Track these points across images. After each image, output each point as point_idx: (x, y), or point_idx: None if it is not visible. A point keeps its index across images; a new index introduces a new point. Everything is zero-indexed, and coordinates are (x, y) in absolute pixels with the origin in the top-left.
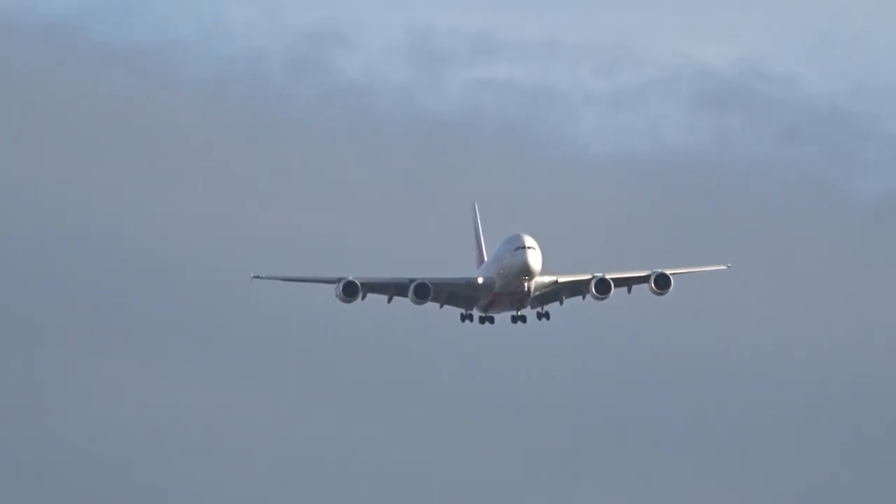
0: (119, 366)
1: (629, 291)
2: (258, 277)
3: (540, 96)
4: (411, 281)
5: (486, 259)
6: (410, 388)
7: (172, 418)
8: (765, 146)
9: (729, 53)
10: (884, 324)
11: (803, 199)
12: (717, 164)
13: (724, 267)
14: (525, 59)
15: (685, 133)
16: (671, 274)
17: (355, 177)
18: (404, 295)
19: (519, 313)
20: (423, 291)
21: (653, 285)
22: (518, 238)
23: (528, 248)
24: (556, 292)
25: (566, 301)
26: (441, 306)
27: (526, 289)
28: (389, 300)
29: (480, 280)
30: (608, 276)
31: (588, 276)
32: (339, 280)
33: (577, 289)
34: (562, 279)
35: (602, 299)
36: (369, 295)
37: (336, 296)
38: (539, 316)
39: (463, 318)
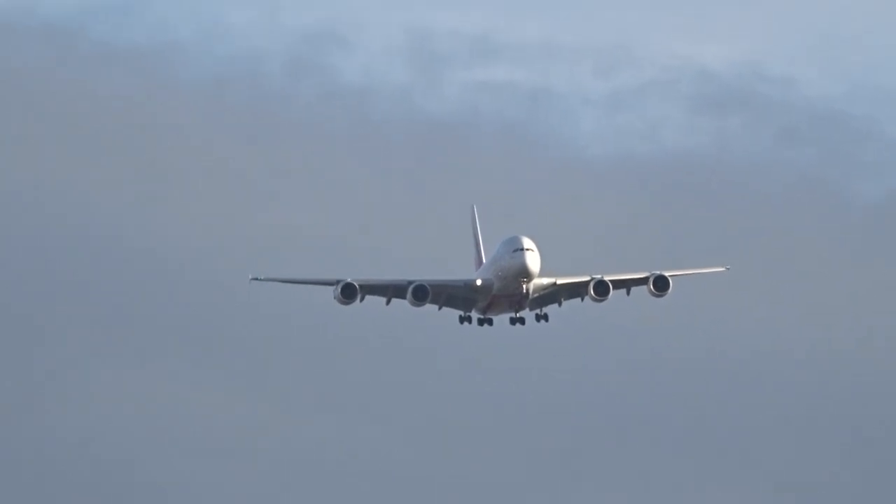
0: (117, 366)
1: (628, 293)
2: (256, 279)
3: (539, 97)
4: (410, 283)
5: (484, 261)
6: (409, 391)
7: (171, 419)
8: (764, 147)
9: (728, 55)
10: (883, 324)
11: (802, 200)
12: (717, 165)
13: (723, 269)
14: (524, 60)
15: (684, 134)
16: (670, 276)
17: (354, 178)
18: (403, 297)
19: (518, 315)
20: (421, 293)
21: (651, 287)
22: (516, 240)
23: (527, 249)
24: (554, 294)
25: (565, 303)
26: (440, 308)
27: (524, 291)
28: (388, 302)
29: (479, 282)
30: (607, 278)
31: (587, 278)
32: (338, 282)
33: (576, 290)
34: (560, 281)
35: (601, 301)
36: (368, 297)
37: (334, 298)
38: (538, 318)
39: (462, 319)
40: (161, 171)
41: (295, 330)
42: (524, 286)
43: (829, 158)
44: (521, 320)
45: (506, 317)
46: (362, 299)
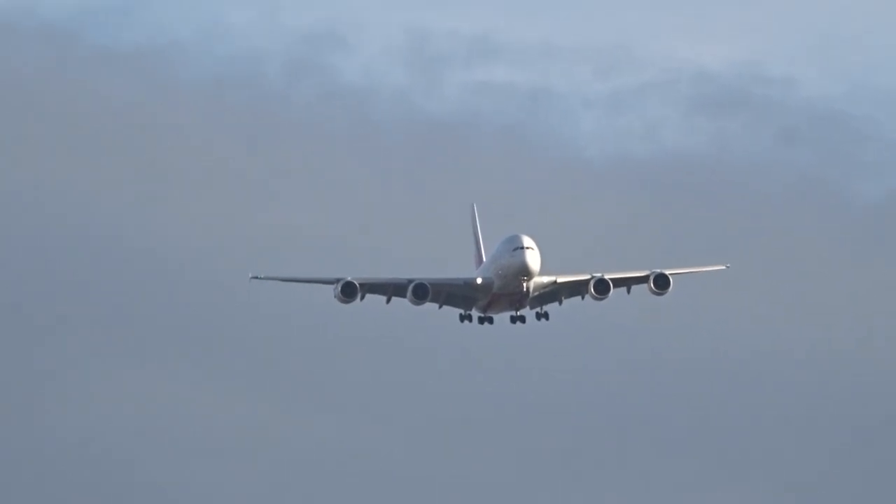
0: (118, 365)
1: (628, 292)
2: (257, 278)
3: (539, 98)
4: (410, 281)
5: (484, 260)
6: (409, 389)
7: (171, 418)
8: (763, 147)
9: (728, 55)
10: (882, 324)
11: (802, 200)
12: (717, 165)
13: (724, 267)
14: (524, 61)
15: (684, 134)
16: (670, 274)
17: (354, 178)
18: (403, 295)
19: (518, 313)
20: (421, 292)
21: (652, 285)
22: (517, 238)
23: (527, 248)
24: (555, 292)
25: (565, 301)
26: (440, 307)
27: (525, 289)
28: (388, 301)
29: (479, 280)
30: (607, 277)
31: (587, 277)
32: (338, 280)
33: (576, 289)
34: (561, 279)
35: (601, 299)
36: (368, 295)
37: (335, 296)
38: (538, 316)
39: (462, 318)
40: (161, 171)
41: (295, 329)
42: (524, 284)
43: (829, 158)
44: (522, 319)
45: (506, 315)
46: (362, 298)
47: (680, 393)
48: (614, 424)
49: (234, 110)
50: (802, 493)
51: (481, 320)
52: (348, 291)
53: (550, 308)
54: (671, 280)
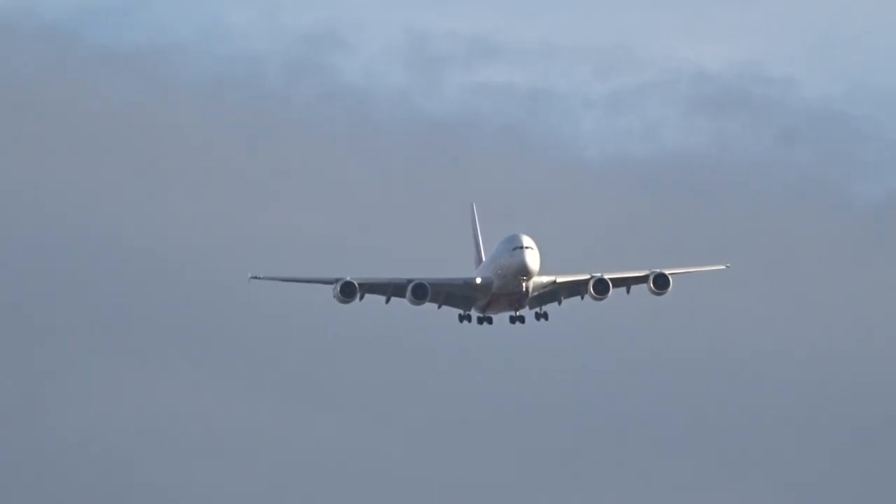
0: (117, 365)
1: (628, 291)
2: (256, 278)
3: (539, 98)
4: (409, 281)
5: (484, 259)
6: (409, 389)
7: (170, 418)
8: (763, 148)
9: (727, 56)
10: (882, 324)
11: (802, 200)
12: (716, 165)
13: (723, 267)
14: (523, 61)
15: (684, 135)
16: (670, 274)
17: (354, 178)
18: (402, 295)
19: (517, 314)
20: (421, 292)
21: (651, 285)
22: (516, 238)
23: (526, 248)
24: (554, 292)
25: (565, 301)
26: (439, 307)
27: (524, 289)
28: (387, 301)
29: (479, 280)
30: (607, 276)
31: (586, 277)
32: (337, 280)
33: (576, 289)
34: (560, 279)
35: (600, 299)
36: (367, 295)
37: (334, 296)
38: (537, 316)
39: (461, 318)
40: (161, 171)
41: (294, 329)
42: (524, 284)
43: (829, 159)
44: (521, 319)
45: (505, 315)
46: (362, 298)
47: (680, 393)
48: (614, 424)
49: (234, 110)
50: (802, 493)
51: (480, 320)
52: (347, 291)
53: (550, 308)
54: (671, 280)
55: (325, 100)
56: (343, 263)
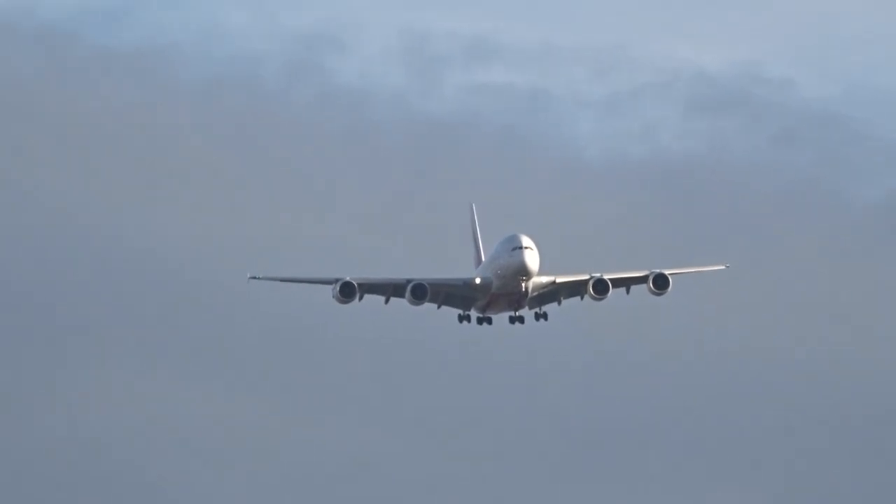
0: (115, 365)
1: (627, 292)
2: (255, 278)
3: (538, 99)
4: (408, 281)
5: (483, 260)
6: (408, 390)
7: (168, 418)
8: (762, 149)
9: (726, 57)
10: (882, 324)
11: (800, 200)
12: (715, 165)
13: (723, 267)
14: (522, 62)
15: (683, 135)
16: (670, 274)
17: (353, 178)
18: (402, 296)
19: (517, 314)
20: (420, 292)
21: (651, 285)
22: (515, 238)
23: (526, 248)
24: (554, 293)
25: (564, 301)
26: (439, 307)
27: (523, 289)
28: (387, 301)
29: (478, 280)
30: (606, 277)
31: (586, 277)
32: (336, 281)
33: (576, 289)
34: (560, 279)
35: (600, 300)
36: (367, 296)
37: (333, 297)
38: (537, 316)
39: (461, 318)
40: (160, 171)
41: (293, 329)
42: (523, 284)
43: (827, 159)
44: (521, 319)
45: (505, 315)
46: (361, 298)
47: (679, 392)
48: (614, 425)
49: (234, 110)
50: (802, 493)
51: (480, 321)
52: (347, 292)
53: (549, 308)
54: (670, 280)
55: (324, 100)
56: (342, 264)
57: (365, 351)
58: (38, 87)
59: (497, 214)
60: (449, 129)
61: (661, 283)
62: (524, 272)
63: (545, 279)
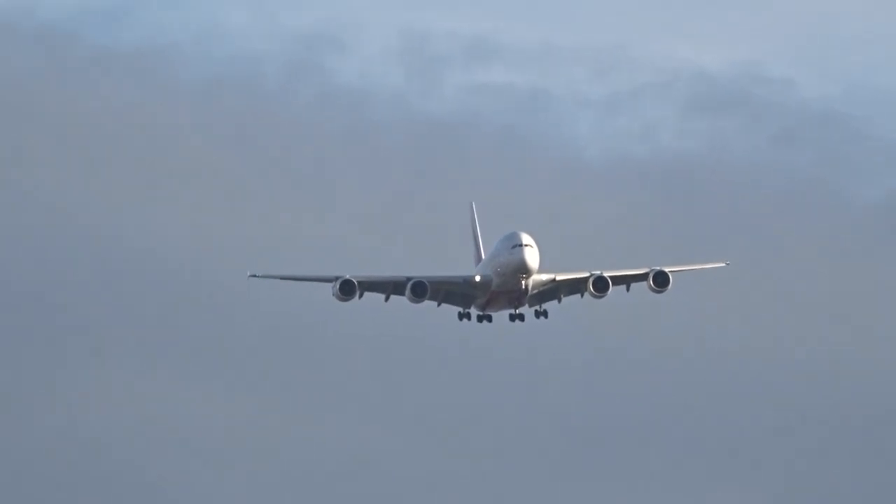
0: (115, 365)
1: (628, 289)
2: (255, 276)
3: (538, 99)
4: (408, 279)
5: (483, 257)
6: (408, 387)
7: (168, 416)
8: (761, 148)
9: (726, 56)
10: (880, 323)
11: (800, 199)
12: (716, 165)
13: (723, 265)
14: (522, 62)
15: (682, 135)
16: (670, 272)
17: (353, 177)
18: (402, 293)
19: (517, 311)
20: (420, 290)
21: (651, 283)
22: (515, 236)
23: (526, 245)
24: (554, 290)
25: (564, 299)
26: (439, 305)
27: (523, 287)
28: (387, 299)
29: (478, 278)
30: (606, 274)
31: (586, 274)
32: (337, 278)
33: (576, 287)
34: (560, 277)
35: (600, 297)
36: (367, 293)
37: (333, 294)
38: (537, 314)
39: (461, 316)
40: (160, 171)
41: (293, 327)
42: (523, 282)
43: (827, 159)
44: (521, 317)
45: (505, 313)
46: (361, 296)
47: (679, 390)
48: (614, 422)
49: (234, 111)
50: (802, 492)
51: (480, 318)
52: (347, 289)
53: (549, 306)
54: (671, 277)
55: (324, 100)
56: (343, 262)
57: (365, 349)
58: (38, 87)
59: (497, 213)
60: (449, 128)
61: (661, 280)
62: (524, 270)
63: (545, 277)
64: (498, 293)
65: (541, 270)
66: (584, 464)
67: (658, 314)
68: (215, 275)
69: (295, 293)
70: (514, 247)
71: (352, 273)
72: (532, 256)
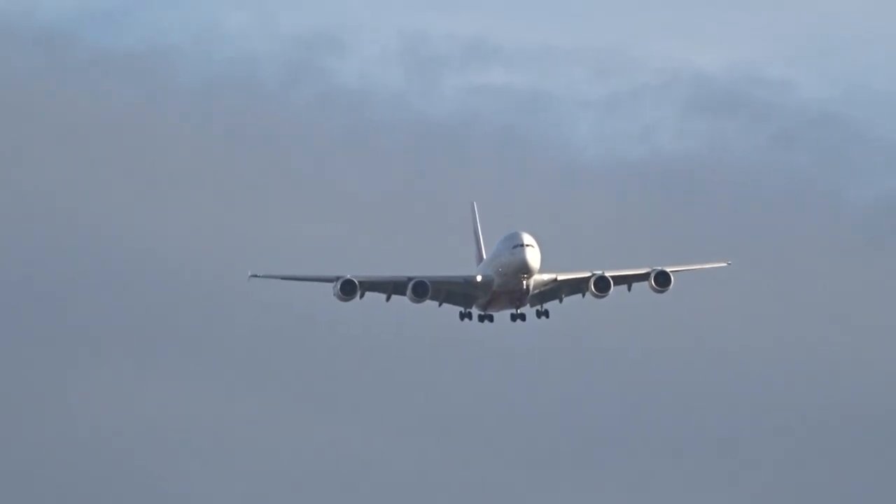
0: (115, 365)
1: (629, 289)
2: (256, 276)
3: (538, 100)
4: (410, 279)
5: (485, 257)
6: (409, 387)
7: (168, 416)
8: (761, 149)
9: (725, 58)
10: (879, 323)
11: (799, 200)
12: (715, 165)
13: (724, 264)
14: (521, 63)
15: (682, 136)
16: (671, 271)
17: (354, 178)
18: (403, 293)
19: (518, 311)
20: (421, 290)
21: (653, 283)
22: (516, 236)
23: (527, 245)
24: (555, 290)
25: (566, 299)
26: (440, 305)
27: (525, 287)
28: (388, 299)
29: (479, 278)
30: (608, 274)
31: (587, 274)
32: (338, 278)
33: (577, 287)
34: (561, 277)
35: (601, 297)
36: (368, 293)
37: (334, 294)
38: (538, 314)
39: (462, 316)
40: (160, 172)
41: (294, 327)
42: (524, 282)
43: (826, 160)
44: (522, 317)
45: (506, 313)
46: (362, 296)
47: (681, 390)
48: (615, 422)
49: (233, 112)
50: (802, 492)
51: (481, 318)
52: (348, 289)
53: (551, 306)
54: (672, 277)
55: (324, 101)
56: (344, 262)
57: (366, 349)
58: (37, 89)
59: (498, 213)
60: (449, 129)
61: (662, 280)
62: (525, 270)
63: (546, 277)
64: (499, 293)
65: (542, 270)
66: (586, 464)
67: (659, 314)
68: (216, 275)
69: (296, 293)
70: (515, 247)
71: (353, 273)
72: (533, 256)
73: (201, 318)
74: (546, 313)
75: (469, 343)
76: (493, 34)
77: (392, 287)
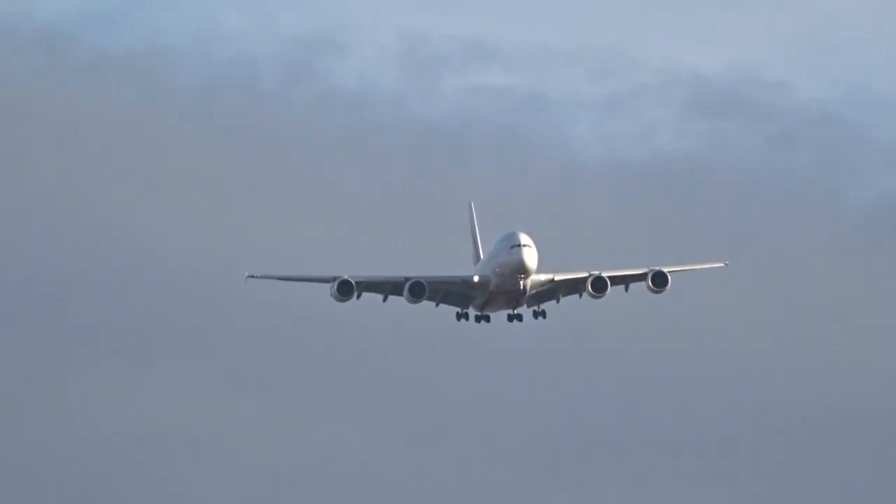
0: (113, 365)
1: (626, 289)
2: (253, 277)
3: (537, 101)
4: (406, 279)
5: (482, 258)
6: (406, 388)
7: (166, 417)
8: (760, 149)
9: (724, 59)
10: (878, 323)
11: (798, 201)
12: (714, 166)
13: (722, 265)
14: (520, 64)
15: (681, 137)
16: (669, 272)
17: (352, 178)
18: (400, 294)
19: (515, 312)
20: (418, 290)
21: (650, 283)
22: (514, 236)
23: (524, 245)
24: (552, 290)
25: (563, 299)
26: (437, 305)
27: (522, 287)
28: (385, 299)
29: (476, 278)
30: (605, 274)
31: (585, 274)
32: (334, 279)
33: (574, 287)
34: (558, 277)
35: (599, 297)
36: (365, 294)
37: (331, 295)
38: (535, 314)
39: (459, 316)
40: (159, 172)
41: (291, 328)
42: (521, 282)
43: (824, 161)
44: (519, 317)
45: (503, 314)
46: (359, 296)
47: (678, 390)
48: (612, 422)
49: (232, 112)
50: (801, 492)
51: (478, 319)
52: (345, 290)
53: (548, 306)
54: (669, 278)
55: (323, 101)
56: (341, 262)
57: (363, 349)
58: (37, 89)
59: (496, 213)
60: (448, 130)
61: (659, 280)
62: (522, 270)
63: (543, 277)
64: (496, 293)
65: (539, 270)
66: (583, 464)
67: (657, 314)
68: (213, 275)
69: (293, 294)
70: (512, 247)
71: (350, 273)
72: (530, 257)
73: (199, 319)
74: (543, 314)
75: (466, 344)
76: (493, 35)
77: (389, 287)
